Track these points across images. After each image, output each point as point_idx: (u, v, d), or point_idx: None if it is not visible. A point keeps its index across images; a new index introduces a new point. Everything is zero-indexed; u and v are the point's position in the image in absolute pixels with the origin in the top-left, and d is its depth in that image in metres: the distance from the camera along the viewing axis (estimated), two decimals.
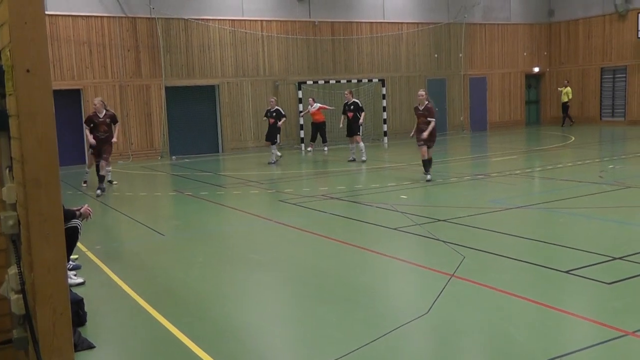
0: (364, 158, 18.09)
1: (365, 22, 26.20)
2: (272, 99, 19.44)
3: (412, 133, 14.32)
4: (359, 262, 7.69)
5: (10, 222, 2.94)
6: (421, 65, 27.70)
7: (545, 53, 31.17)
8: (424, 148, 13.87)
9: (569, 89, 28.85)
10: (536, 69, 30.93)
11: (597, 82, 29.18)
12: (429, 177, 13.81)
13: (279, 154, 19.09)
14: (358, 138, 18.25)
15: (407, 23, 27.16)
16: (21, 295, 2.88)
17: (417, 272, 7.24)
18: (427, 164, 13.94)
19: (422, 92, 14.32)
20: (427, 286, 6.59)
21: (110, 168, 15.10)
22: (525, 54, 30.60)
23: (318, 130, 21.44)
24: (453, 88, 28.66)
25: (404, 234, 8.95)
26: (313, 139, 21.83)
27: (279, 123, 18.75)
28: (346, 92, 19.36)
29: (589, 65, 29.58)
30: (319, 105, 21.54)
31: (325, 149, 21.62)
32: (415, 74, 27.50)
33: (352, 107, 18.47)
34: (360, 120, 18.42)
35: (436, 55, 28.02)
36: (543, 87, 31.73)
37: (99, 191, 13.60)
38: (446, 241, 8.23)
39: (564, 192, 12.00)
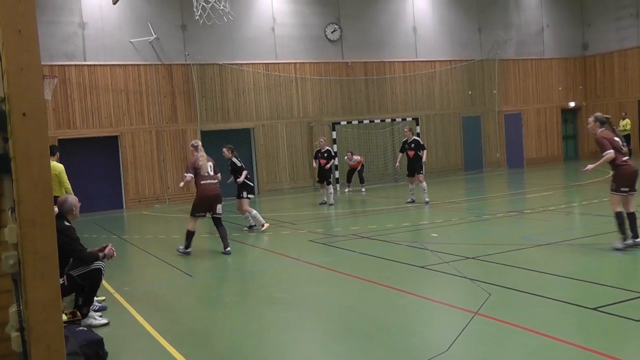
0: (427, 199, 16.76)
1: (398, 62, 26.39)
2: (322, 139, 19.14)
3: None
4: (382, 301, 7.64)
5: (11, 262, 3.03)
6: (455, 103, 27.69)
7: (581, 87, 30.90)
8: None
9: (627, 120, 27.95)
10: (572, 104, 30.63)
11: (635, 114, 28.67)
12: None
13: (330, 193, 18.40)
14: (421, 177, 16.93)
15: (440, 61, 27.27)
16: (19, 333, 2.96)
17: (440, 310, 7.15)
18: (629, 219, 9.32)
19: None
20: (449, 324, 6.50)
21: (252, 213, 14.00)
22: (560, 88, 30.37)
23: (356, 171, 21.63)
24: (488, 125, 28.53)
25: (431, 272, 8.87)
26: (349, 181, 21.96)
27: (329, 165, 18.37)
28: (406, 130, 17.78)
29: (626, 99, 29.15)
30: (357, 158, 21.68)
31: (363, 189, 21.65)
32: (450, 111, 27.49)
33: (412, 145, 17.09)
34: (423, 159, 17.05)
35: (470, 92, 28.01)
36: (580, 121, 31.32)
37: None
38: (473, 279, 8.13)
39: (598, 228, 11.75)
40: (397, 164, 18.14)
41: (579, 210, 14.65)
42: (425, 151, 17.28)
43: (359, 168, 21.82)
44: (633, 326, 6.02)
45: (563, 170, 26.56)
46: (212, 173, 11.58)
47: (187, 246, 11.48)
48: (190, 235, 11.50)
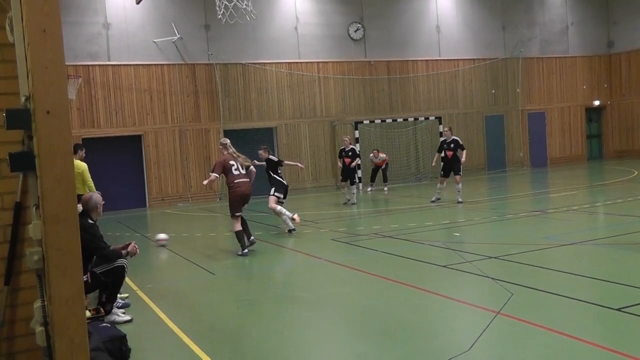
0: (460, 199, 16.60)
1: (421, 60, 26.30)
2: (346, 138, 18.93)
3: None
4: (404, 300, 7.63)
5: (35, 258, 3.08)
6: (478, 102, 27.53)
7: (606, 85, 30.53)
8: None
9: None
10: (597, 102, 30.28)
11: None
12: None
13: (354, 192, 18.33)
14: (458, 178, 16.61)
15: (463, 60, 27.12)
16: (44, 328, 3.00)
17: (462, 309, 7.12)
18: None
19: None
20: (471, 323, 6.47)
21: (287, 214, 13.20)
22: (584, 87, 30.05)
23: (380, 170, 21.62)
24: (511, 124, 28.32)
25: (453, 272, 8.83)
26: (372, 179, 21.93)
27: (353, 164, 18.31)
28: (445, 129, 17.61)
29: None
30: (383, 156, 21.65)
31: (386, 188, 21.62)
32: (473, 110, 27.34)
33: (452, 145, 16.90)
34: (463, 159, 16.75)
35: (493, 91, 27.83)
36: (604, 120, 30.99)
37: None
38: (495, 278, 8.08)
39: (622, 228, 11.64)
40: (434, 163, 17.73)
41: (603, 210, 14.49)
42: (464, 152, 16.98)
43: (383, 167, 21.79)
44: None
45: (587, 169, 26.28)
46: (243, 171, 11.42)
47: (242, 247, 11.22)
48: (239, 235, 11.28)
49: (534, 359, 5.38)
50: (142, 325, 7.11)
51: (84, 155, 11.95)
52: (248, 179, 11.48)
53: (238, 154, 11.66)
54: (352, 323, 6.88)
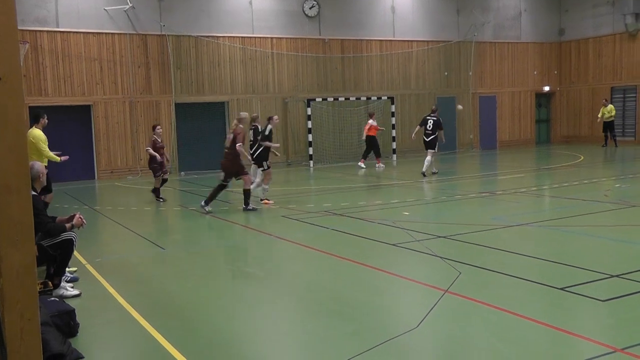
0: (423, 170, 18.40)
1: (375, 40, 26.33)
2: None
3: None
4: (353, 277, 7.69)
5: None
6: (431, 83, 27.76)
7: (556, 72, 31.17)
8: None
9: (611, 106, 27.18)
10: (546, 88, 30.90)
11: (608, 101, 28.98)
12: None
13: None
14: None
15: (417, 41, 27.26)
16: None
17: (411, 287, 7.23)
18: None
19: None
20: (419, 301, 6.58)
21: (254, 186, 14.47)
22: (535, 72, 30.60)
23: (371, 144, 21.57)
24: (462, 106, 28.60)
25: (401, 250, 8.94)
26: (365, 156, 21.72)
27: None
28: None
29: (599, 85, 29.49)
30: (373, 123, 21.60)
31: (379, 163, 21.68)
32: (425, 91, 27.56)
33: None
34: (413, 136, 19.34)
35: (446, 73, 28.08)
36: (553, 106, 31.67)
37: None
38: (443, 257, 8.22)
39: (567, 211, 11.95)
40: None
41: (550, 193, 14.83)
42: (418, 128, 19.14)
43: (372, 139, 21.52)
44: (599, 306, 6.15)
45: (535, 153, 26.84)
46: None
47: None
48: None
49: (481, 335, 5.51)
50: (91, 300, 7.01)
51: (47, 122, 11.31)
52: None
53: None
54: (301, 300, 6.92)
